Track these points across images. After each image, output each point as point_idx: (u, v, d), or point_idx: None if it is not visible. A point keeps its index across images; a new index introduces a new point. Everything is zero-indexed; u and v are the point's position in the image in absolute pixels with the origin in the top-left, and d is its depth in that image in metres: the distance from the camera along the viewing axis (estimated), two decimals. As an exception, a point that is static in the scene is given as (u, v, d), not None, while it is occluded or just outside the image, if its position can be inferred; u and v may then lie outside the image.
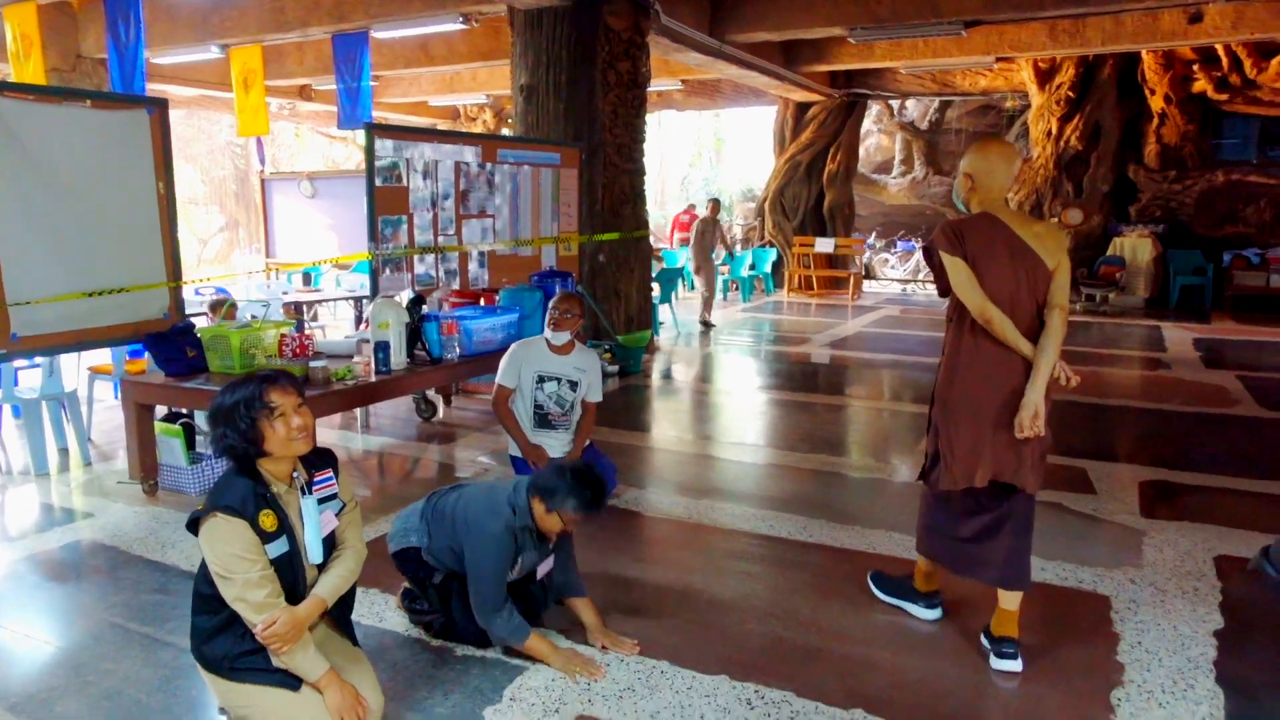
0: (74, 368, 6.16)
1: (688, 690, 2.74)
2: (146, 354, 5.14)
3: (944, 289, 2.88)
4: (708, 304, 10.93)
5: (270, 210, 12.72)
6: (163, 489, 4.59)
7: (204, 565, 2.35)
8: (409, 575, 3.10)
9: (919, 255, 17.28)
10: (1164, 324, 11.05)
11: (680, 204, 25.99)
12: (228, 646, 2.33)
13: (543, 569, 3.06)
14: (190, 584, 3.43)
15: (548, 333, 4.41)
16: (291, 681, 2.32)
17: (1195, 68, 11.99)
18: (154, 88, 10.56)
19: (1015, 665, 2.84)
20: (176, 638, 3.05)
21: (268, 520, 2.28)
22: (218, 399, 2.34)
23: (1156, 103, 12.50)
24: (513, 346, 4.47)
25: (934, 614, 3.22)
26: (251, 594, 2.21)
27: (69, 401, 5.28)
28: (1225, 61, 11.55)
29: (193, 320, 4.90)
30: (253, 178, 20.10)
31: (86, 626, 3.14)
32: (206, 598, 2.37)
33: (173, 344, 4.40)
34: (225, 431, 2.31)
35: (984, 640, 2.98)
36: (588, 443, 4.50)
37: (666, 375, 8.06)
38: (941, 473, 2.93)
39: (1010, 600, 2.90)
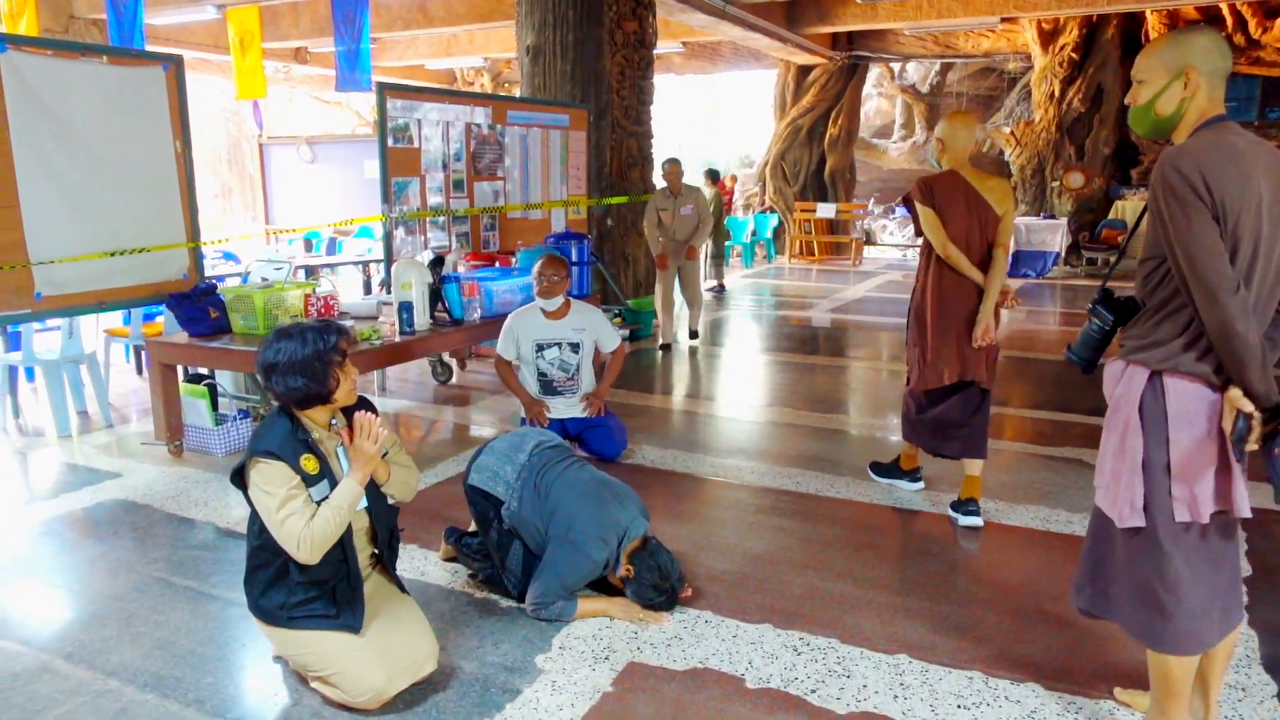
0: (90, 331, 6.13)
1: (733, 638, 2.78)
2: (163, 315, 5.14)
3: (919, 230, 3.67)
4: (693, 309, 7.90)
5: (268, 175, 12.62)
6: (188, 449, 4.60)
7: (252, 520, 2.38)
8: (476, 512, 3.06)
9: (918, 220, 17.27)
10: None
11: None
12: (283, 596, 2.37)
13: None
14: (226, 541, 3.51)
15: (540, 300, 4.43)
16: (351, 625, 2.35)
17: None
18: (149, 49, 10.38)
19: (978, 521, 3.67)
20: (221, 590, 3.08)
21: (309, 464, 2.32)
22: (286, 347, 2.32)
23: (1160, 64, 12.44)
24: (509, 318, 4.50)
25: (917, 485, 4.06)
26: (304, 523, 2.23)
27: (89, 363, 5.25)
28: (1230, 21, 11.49)
29: (215, 281, 4.87)
30: (245, 144, 19.84)
31: (131, 581, 3.16)
32: (259, 550, 2.39)
33: (196, 304, 4.38)
34: (295, 378, 2.30)
35: (951, 511, 3.75)
36: (605, 410, 4.53)
37: (676, 338, 8.06)
38: (918, 376, 3.72)
39: (974, 468, 3.71)
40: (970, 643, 2.76)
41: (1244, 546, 2.19)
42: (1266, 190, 1.87)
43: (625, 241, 8.59)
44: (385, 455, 2.49)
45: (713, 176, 11.29)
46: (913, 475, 4.09)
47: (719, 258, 11.04)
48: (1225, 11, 11.44)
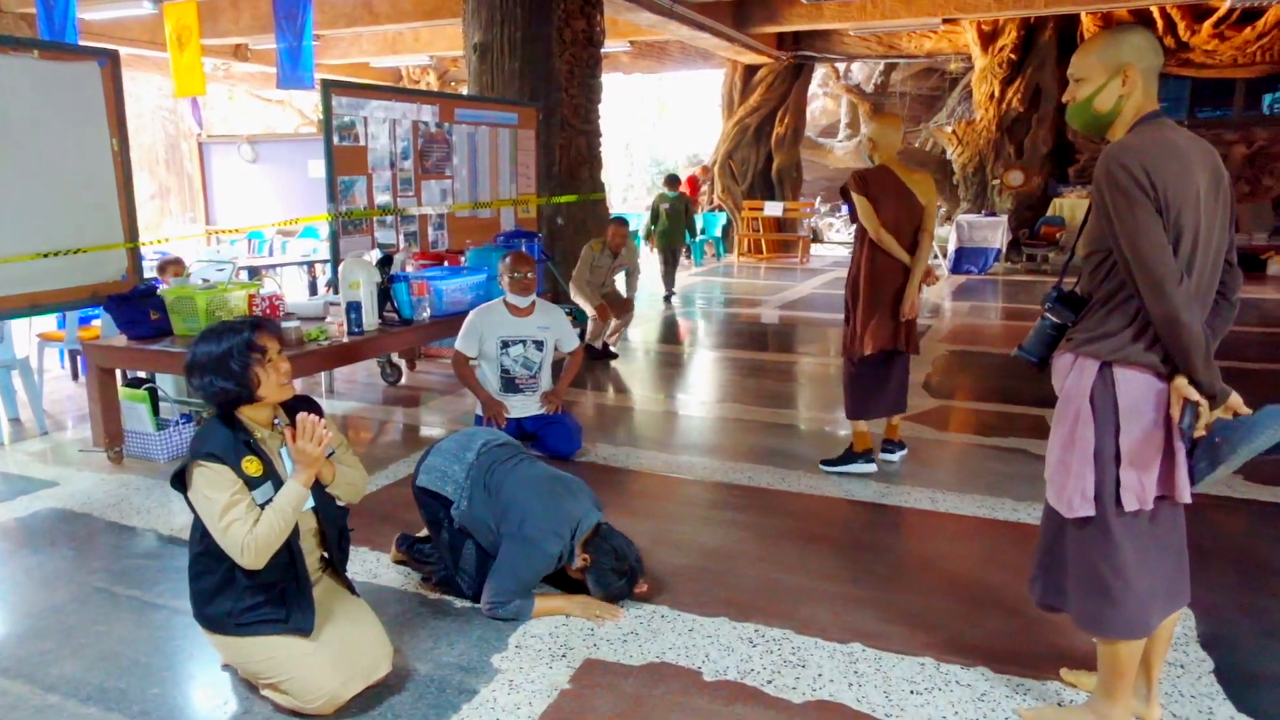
0: (22, 335, 5.92)
1: (689, 632, 2.80)
2: (101, 318, 4.99)
3: (854, 217, 4.12)
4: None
5: (209, 175, 12.31)
6: (129, 456, 4.47)
7: (195, 526, 2.32)
8: (426, 514, 3.03)
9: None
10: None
11: (623, 171, 25.77)
12: (230, 603, 2.31)
13: None
14: (170, 549, 3.42)
15: (510, 296, 4.43)
16: (302, 627, 2.31)
17: (1131, 31, 12.30)
18: (83, 44, 10.07)
19: (896, 456, 4.40)
20: (166, 599, 3.00)
21: (251, 466, 2.27)
22: (203, 348, 2.31)
23: (1094, 65, 12.80)
24: (471, 314, 4.48)
25: (870, 467, 4.28)
26: (249, 528, 2.18)
27: (22, 369, 5.07)
28: (1161, 24, 11.87)
29: (156, 282, 4.74)
30: (183, 143, 19.33)
31: (71, 592, 3.06)
32: (201, 557, 2.34)
33: (135, 306, 4.25)
34: (214, 380, 2.27)
35: (883, 454, 4.38)
36: (561, 409, 4.53)
37: (626, 337, 8.06)
38: (854, 345, 4.15)
39: (895, 418, 4.37)
40: (922, 630, 2.81)
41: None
42: (1203, 184, 1.94)
43: (575, 240, 8.56)
44: (331, 455, 2.45)
45: (673, 182, 10.93)
46: (867, 456, 4.27)
47: (674, 264, 10.58)
48: (1156, 14, 11.82)
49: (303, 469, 2.28)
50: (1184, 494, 2.04)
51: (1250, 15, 11.41)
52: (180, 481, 2.28)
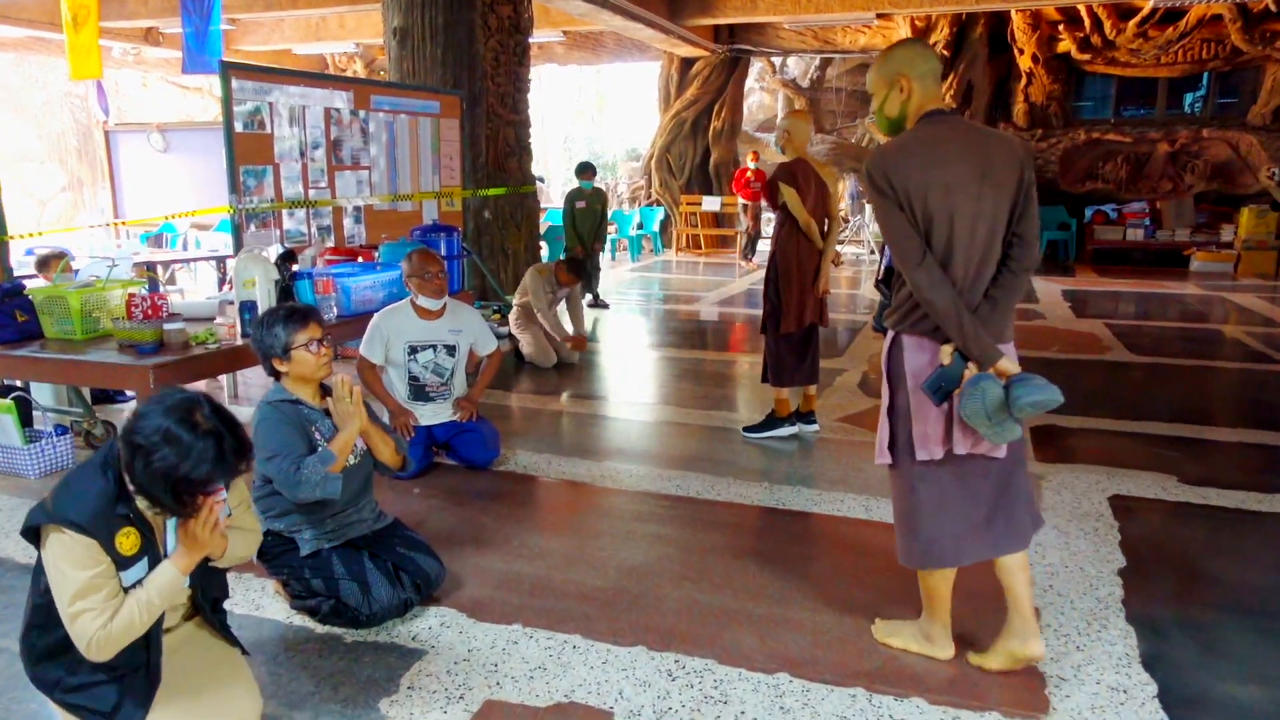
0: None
1: (603, 665, 2.56)
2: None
3: (775, 205, 4.44)
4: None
5: (116, 165, 11.63)
6: (-6, 473, 4.05)
7: (41, 571, 1.96)
8: (284, 570, 2.81)
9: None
10: (1033, 277, 11.52)
11: (562, 164, 25.43)
12: (60, 672, 1.96)
13: (359, 443, 2.85)
14: (28, 580, 3.03)
15: (425, 300, 4.11)
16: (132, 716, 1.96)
17: (1060, 28, 12.43)
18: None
19: (811, 428, 4.74)
20: (12, 640, 2.64)
21: (126, 541, 1.87)
22: (168, 455, 1.79)
23: (1024, 62, 12.92)
24: (376, 317, 4.17)
25: (793, 429, 4.70)
26: (102, 622, 1.82)
27: (-127, 377, 4.59)
28: (1088, 22, 12.01)
29: (22, 281, 4.31)
30: (96, 132, 18.38)
31: (-103, 636, 2.68)
32: (40, 610, 1.97)
33: (-2, 307, 3.84)
34: (150, 482, 1.82)
35: (803, 426, 4.73)
36: (476, 416, 4.25)
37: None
38: (783, 321, 4.49)
39: (813, 389, 4.73)
40: (852, 656, 2.61)
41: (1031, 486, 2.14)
42: (962, 173, 2.20)
43: (504, 235, 8.27)
44: (228, 516, 2.07)
45: (589, 170, 9.19)
46: (791, 420, 4.70)
47: (595, 271, 9.20)
48: (1083, 12, 11.94)
49: (187, 553, 1.91)
50: (957, 445, 2.31)
51: (1172, 15, 11.60)
52: (34, 535, 1.90)
